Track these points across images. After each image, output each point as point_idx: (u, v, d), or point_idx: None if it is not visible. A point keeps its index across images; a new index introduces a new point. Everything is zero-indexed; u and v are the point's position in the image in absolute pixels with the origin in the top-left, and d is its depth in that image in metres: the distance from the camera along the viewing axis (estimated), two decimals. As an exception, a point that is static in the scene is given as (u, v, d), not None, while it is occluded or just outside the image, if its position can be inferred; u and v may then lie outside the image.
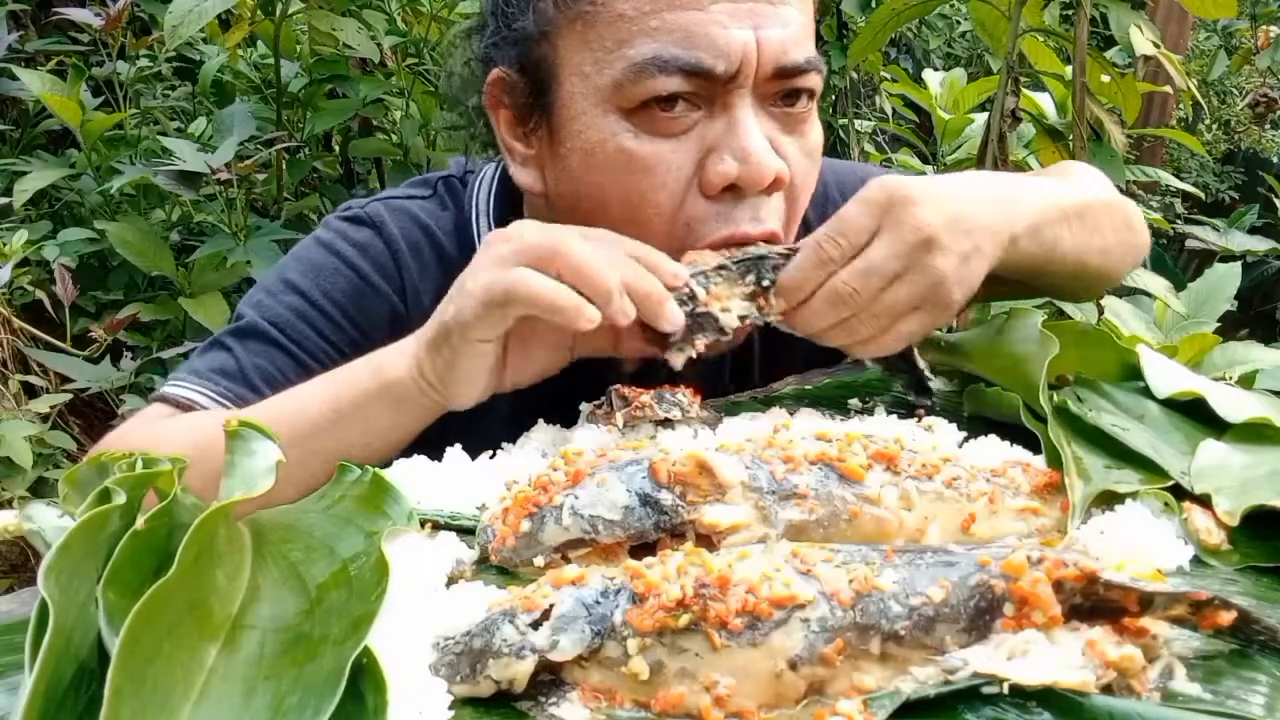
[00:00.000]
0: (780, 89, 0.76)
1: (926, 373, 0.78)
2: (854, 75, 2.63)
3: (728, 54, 0.72)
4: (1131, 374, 0.72)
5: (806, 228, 0.99)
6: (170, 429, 0.78)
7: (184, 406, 0.81)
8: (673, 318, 0.66)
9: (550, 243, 0.64)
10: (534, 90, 0.80)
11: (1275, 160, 5.12)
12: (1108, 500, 0.57)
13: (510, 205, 0.91)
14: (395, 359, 0.70)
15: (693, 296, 0.68)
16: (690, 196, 0.75)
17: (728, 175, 0.73)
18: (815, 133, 0.81)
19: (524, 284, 0.63)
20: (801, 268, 0.68)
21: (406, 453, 0.69)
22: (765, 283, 0.70)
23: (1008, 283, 0.78)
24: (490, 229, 0.90)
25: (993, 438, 0.66)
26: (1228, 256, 3.00)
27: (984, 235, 0.69)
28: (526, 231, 0.67)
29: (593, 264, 0.63)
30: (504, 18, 0.81)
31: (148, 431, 0.79)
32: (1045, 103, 2.14)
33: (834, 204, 1.00)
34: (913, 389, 0.80)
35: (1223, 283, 2.00)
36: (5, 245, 1.76)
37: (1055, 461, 0.62)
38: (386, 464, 0.64)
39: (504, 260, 0.65)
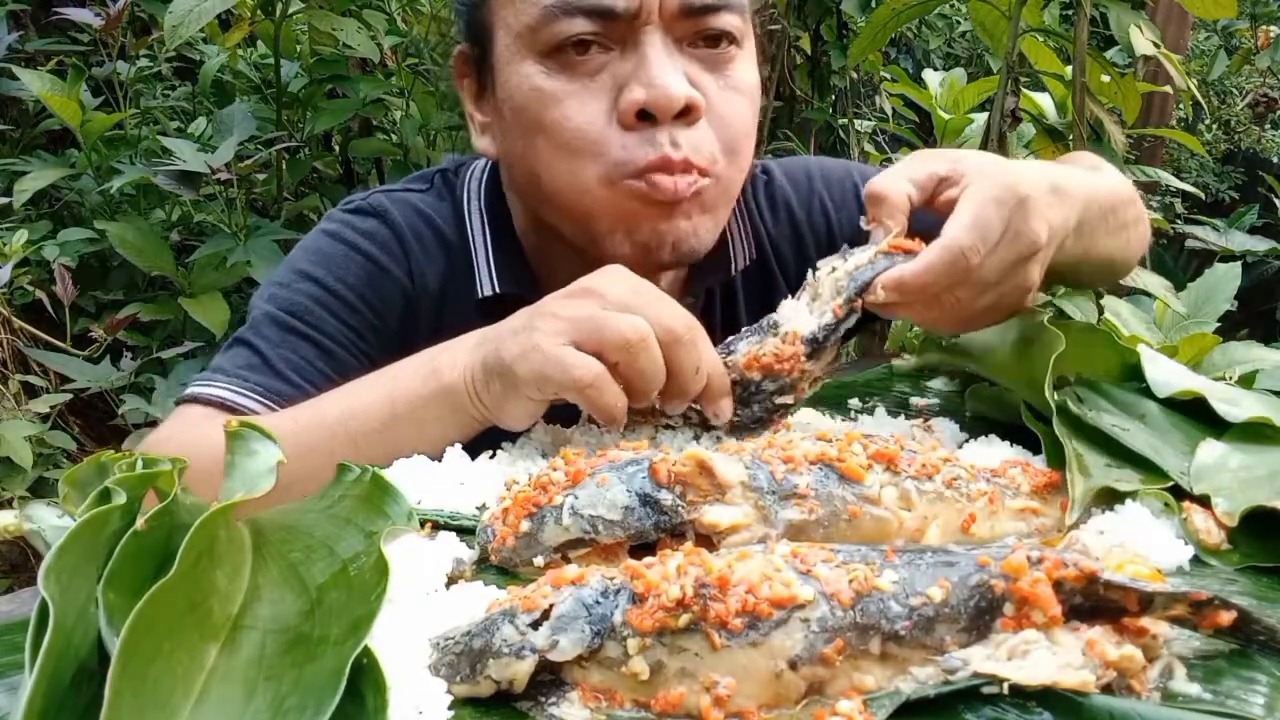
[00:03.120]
0: (695, 29, 0.79)
1: None
2: (854, 75, 2.63)
3: None
4: (1131, 374, 0.72)
5: (791, 219, 1.00)
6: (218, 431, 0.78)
7: (217, 405, 0.81)
8: (724, 414, 0.67)
9: (624, 336, 0.63)
10: (480, 55, 0.86)
11: (1275, 160, 5.11)
12: (1108, 500, 0.57)
13: (498, 191, 0.94)
14: (450, 365, 0.70)
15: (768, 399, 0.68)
16: (611, 130, 0.78)
17: (637, 101, 0.77)
18: (744, 73, 0.83)
19: (585, 387, 0.63)
20: (935, 270, 0.64)
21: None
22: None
23: None
24: (482, 215, 0.93)
25: (993, 438, 0.66)
26: (1228, 256, 3.00)
27: (1057, 238, 0.69)
28: (611, 291, 0.65)
29: (649, 377, 0.63)
30: None
31: (194, 433, 0.78)
32: (1045, 103, 2.14)
33: (819, 197, 1.01)
34: None
35: (1223, 283, 1.99)
36: (5, 245, 1.76)
37: (1055, 461, 0.62)
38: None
39: (578, 329, 0.64)
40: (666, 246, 0.81)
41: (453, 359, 0.70)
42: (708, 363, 0.66)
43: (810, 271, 0.71)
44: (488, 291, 0.90)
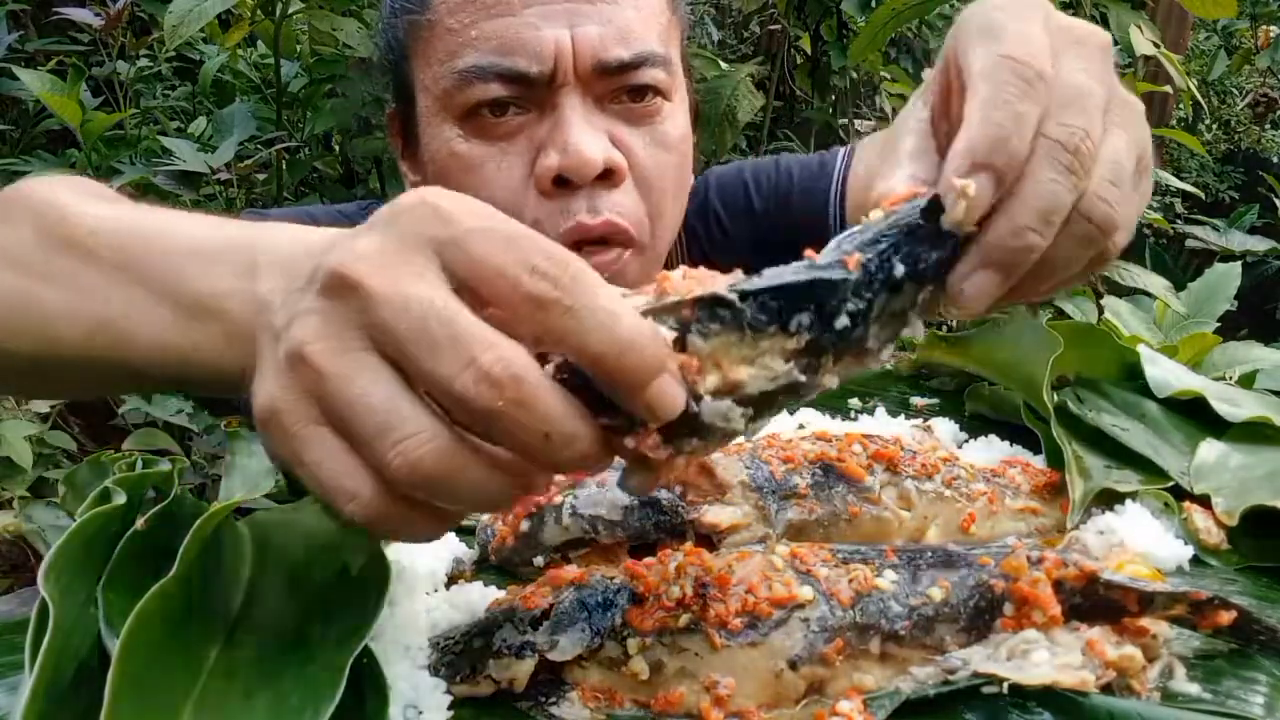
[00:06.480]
0: (615, 85, 0.77)
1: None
2: (854, 75, 2.63)
3: (539, 55, 0.74)
4: (1131, 374, 0.72)
5: (690, 232, 0.99)
6: None
7: None
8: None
9: (322, 371, 0.35)
10: (405, 113, 0.84)
11: (1275, 160, 5.12)
12: (1108, 500, 0.57)
13: None
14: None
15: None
16: (531, 198, 0.76)
17: (552, 167, 0.74)
18: (671, 125, 0.80)
19: (296, 450, 0.36)
20: (988, 130, 0.40)
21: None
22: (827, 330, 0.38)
23: None
24: None
25: (993, 438, 0.66)
26: (1228, 256, 3.00)
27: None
28: (388, 305, 0.36)
29: (364, 412, 0.35)
30: (383, 50, 0.85)
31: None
32: (1045, 103, 2.13)
33: (711, 206, 0.99)
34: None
35: (1223, 283, 1.99)
36: (5, 245, 1.76)
37: (1055, 461, 0.62)
38: None
39: (315, 391, 0.36)
40: None
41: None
42: (562, 419, 0.35)
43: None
44: None
